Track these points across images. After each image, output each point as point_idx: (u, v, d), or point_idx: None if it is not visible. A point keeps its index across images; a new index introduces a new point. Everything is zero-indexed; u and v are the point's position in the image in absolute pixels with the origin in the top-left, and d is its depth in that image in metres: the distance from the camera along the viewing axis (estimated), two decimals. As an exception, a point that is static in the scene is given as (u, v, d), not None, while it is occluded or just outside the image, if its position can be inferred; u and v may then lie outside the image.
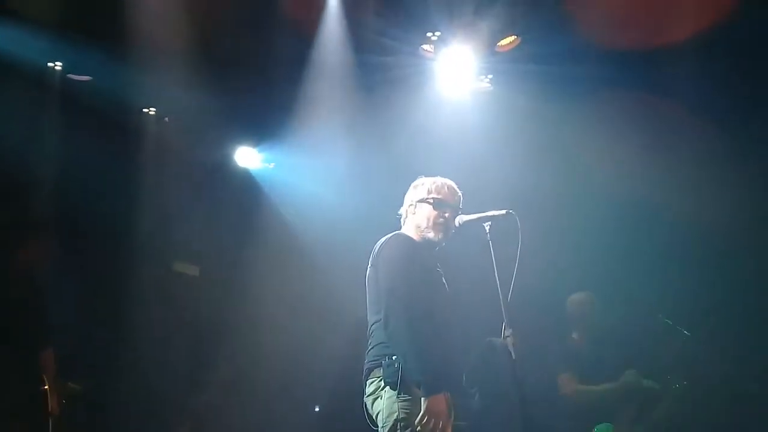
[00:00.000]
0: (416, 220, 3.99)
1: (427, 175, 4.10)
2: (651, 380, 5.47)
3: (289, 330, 7.49)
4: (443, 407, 3.56)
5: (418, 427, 3.53)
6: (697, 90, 6.19)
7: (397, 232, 4.01)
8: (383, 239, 3.93)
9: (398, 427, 3.60)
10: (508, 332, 3.54)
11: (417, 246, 3.92)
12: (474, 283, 4.35)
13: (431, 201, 3.98)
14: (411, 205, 4.04)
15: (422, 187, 4.04)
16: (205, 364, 7.55)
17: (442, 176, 4.10)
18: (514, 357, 3.49)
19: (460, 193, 4.05)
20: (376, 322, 3.78)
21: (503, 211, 3.81)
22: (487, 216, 3.82)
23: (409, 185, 4.11)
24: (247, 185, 8.48)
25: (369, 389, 3.77)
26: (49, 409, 4.97)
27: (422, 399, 3.53)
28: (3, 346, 4.80)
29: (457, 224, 3.95)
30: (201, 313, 7.86)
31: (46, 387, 4.96)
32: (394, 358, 3.63)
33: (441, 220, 3.95)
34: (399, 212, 4.12)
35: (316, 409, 7.64)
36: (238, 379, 7.37)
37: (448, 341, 3.77)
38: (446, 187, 4.03)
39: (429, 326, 3.64)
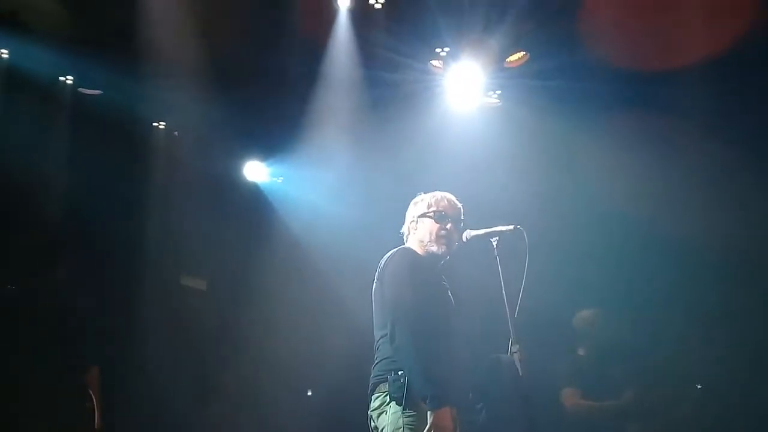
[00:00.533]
0: (419, 235, 4.00)
1: (427, 191, 4.12)
2: (654, 397, 5.44)
3: (297, 343, 7.50)
4: (449, 421, 3.55)
5: None
6: (704, 106, 6.20)
7: (402, 246, 4.02)
8: (389, 254, 3.94)
9: None
10: (514, 348, 3.53)
11: (422, 260, 3.93)
12: (481, 299, 4.34)
13: (432, 215, 3.99)
14: (412, 221, 4.05)
15: (422, 202, 4.06)
16: (212, 376, 7.55)
17: (449, 191, 4.11)
18: (520, 373, 3.48)
19: (459, 205, 4.06)
20: (382, 337, 3.78)
21: (511, 227, 3.80)
22: (494, 231, 3.81)
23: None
24: (255, 199, 8.51)
25: (374, 404, 3.77)
26: (96, 426, 4.97)
27: (429, 413, 3.52)
28: (54, 365, 4.79)
29: (464, 239, 3.94)
30: (208, 327, 7.87)
31: (93, 403, 4.94)
32: (400, 373, 3.63)
33: (443, 232, 3.96)
34: (401, 231, 4.13)
35: (308, 393, 7.62)
36: (245, 392, 7.37)
37: (454, 355, 3.77)
38: (445, 200, 4.05)
39: (435, 340, 3.64)
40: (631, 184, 6.37)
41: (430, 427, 3.50)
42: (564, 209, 6.76)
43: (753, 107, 6.20)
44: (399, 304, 3.70)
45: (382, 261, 3.93)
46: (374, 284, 3.92)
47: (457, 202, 4.06)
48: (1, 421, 4.53)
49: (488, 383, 3.62)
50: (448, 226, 3.97)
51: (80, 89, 7.09)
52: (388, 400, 3.66)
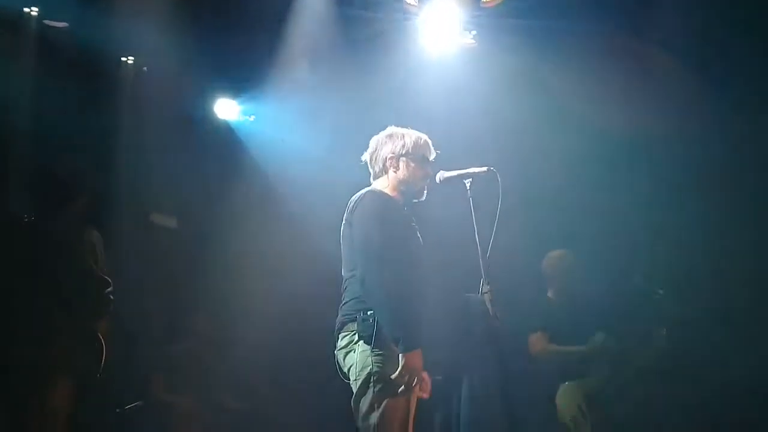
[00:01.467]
0: (399, 174, 3.94)
1: (398, 125, 4.05)
2: (623, 341, 5.45)
3: (267, 280, 7.49)
4: (420, 363, 3.58)
5: (394, 382, 3.54)
6: (685, 37, 6.15)
7: (371, 188, 3.97)
8: (357, 195, 3.90)
9: (371, 380, 3.61)
10: (485, 288, 3.54)
11: (392, 202, 3.90)
12: (453, 240, 4.34)
13: (417, 157, 3.94)
14: (391, 157, 3.97)
15: (404, 139, 3.98)
16: (181, 314, 7.53)
17: (423, 131, 4.07)
18: (491, 313, 3.49)
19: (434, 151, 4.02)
20: (350, 277, 3.77)
21: (484, 168, 3.79)
22: (468, 173, 3.81)
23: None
24: (226, 137, 8.41)
25: (341, 343, 3.77)
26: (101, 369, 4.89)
27: (399, 355, 3.53)
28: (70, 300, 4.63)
29: (438, 180, 3.93)
30: (178, 265, 7.84)
31: (102, 345, 4.84)
32: (369, 313, 3.63)
33: (425, 175, 3.94)
34: (364, 158, 4.06)
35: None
36: (214, 330, 7.37)
37: (425, 296, 3.77)
38: (428, 143, 4.01)
39: (405, 281, 3.63)
40: (611, 123, 6.33)
41: (401, 369, 3.51)
42: (539, 151, 6.73)
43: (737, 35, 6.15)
44: (368, 247, 3.68)
45: (351, 203, 3.89)
46: (342, 225, 3.89)
47: (433, 148, 4.02)
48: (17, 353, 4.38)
49: (458, 323, 3.63)
50: (429, 170, 3.95)
51: (46, 21, 6.90)
52: (357, 338, 3.67)
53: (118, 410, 6.33)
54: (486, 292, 3.53)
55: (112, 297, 4.47)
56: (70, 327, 4.29)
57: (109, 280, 4.46)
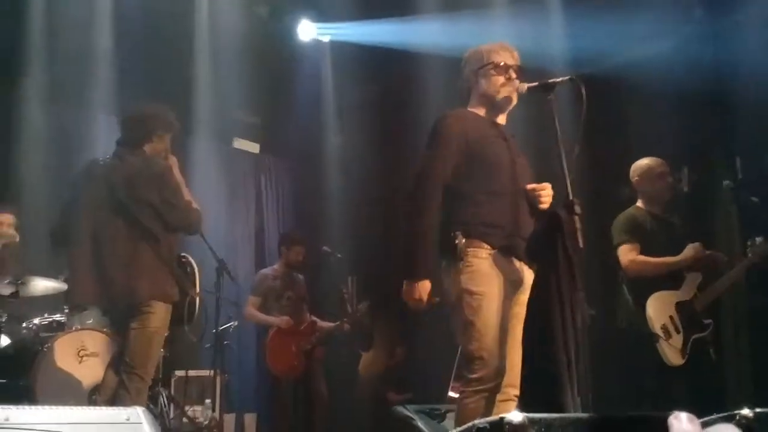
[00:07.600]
0: (481, 88, 3.87)
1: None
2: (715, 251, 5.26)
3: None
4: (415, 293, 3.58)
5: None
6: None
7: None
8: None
9: (463, 297, 3.59)
10: (573, 201, 3.44)
11: (465, 123, 3.80)
12: (537, 152, 4.24)
13: (494, 65, 3.84)
14: (472, 73, 3.89)
15: (480, 52, 3.90)
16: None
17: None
18: (579, 226, 3.41)
19: (515, 52, 3.91)
20: None
21: (567, 77, 3.68)
22: (550, 82, 3.69)
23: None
24: (307, 59, 8.42)
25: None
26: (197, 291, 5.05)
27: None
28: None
29: (519, 92, 3.82)
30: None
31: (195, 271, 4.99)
32: (457, 233, 3.60)
33: (507, 81, 3.83)
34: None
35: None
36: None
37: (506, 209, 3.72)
38: (506, 50, 3.89)
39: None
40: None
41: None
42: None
43: None
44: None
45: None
46: None
47: (512, 50, 3.91)
48: None
49: (545, 236, 3.56)
50: (513, 75, 3.84)
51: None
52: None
53: (214, 330, 6.55)
54: (572, 205, 3.42)
55: (197, 221, 4.56)
56: (159, 253, 4.40)
57: (198, 208, 4.55)
